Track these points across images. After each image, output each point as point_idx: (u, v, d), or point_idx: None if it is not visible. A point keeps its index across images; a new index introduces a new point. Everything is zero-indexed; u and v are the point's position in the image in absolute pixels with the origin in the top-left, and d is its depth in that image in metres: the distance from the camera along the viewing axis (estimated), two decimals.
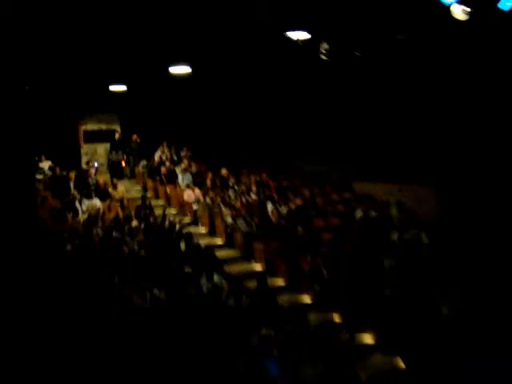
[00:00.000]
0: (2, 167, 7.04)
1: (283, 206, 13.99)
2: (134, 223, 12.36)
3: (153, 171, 16.64)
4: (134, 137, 17.64)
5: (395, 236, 11.52)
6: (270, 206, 14.06)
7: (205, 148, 18.29)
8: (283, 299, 10.36)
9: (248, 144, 17.93)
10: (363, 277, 9.90)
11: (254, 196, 14.71)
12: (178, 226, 12.01)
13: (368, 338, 8.97)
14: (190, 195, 14.93)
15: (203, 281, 9.44)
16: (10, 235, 7.10)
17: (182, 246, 11.18)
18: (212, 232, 13.79)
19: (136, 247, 10.73)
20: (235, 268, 11.66)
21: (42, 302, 7.00)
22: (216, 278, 9.61)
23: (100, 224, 11.97)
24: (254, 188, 14.94)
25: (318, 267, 10.81)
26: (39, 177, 14.80)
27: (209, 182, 15.50)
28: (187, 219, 14.33)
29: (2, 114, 6.88)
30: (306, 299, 10.76)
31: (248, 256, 12.48)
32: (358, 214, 13.71)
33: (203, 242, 12.17)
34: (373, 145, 15.25)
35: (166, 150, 17.82)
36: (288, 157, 17.86)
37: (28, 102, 7.79)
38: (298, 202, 14.56)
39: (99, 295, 7.89)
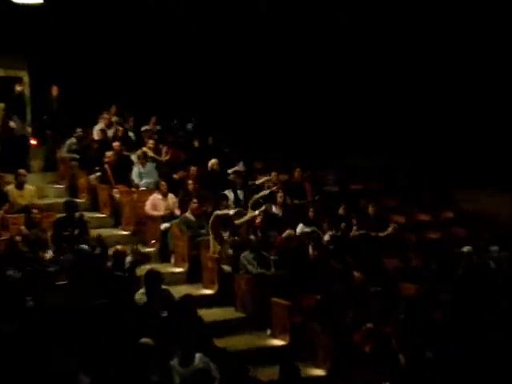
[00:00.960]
0: None
1: (328, 231, 14.20)
2: (49, 254, 12.51)
3: (89, 158, 16.87)
4: (54, 90, 17.90)
5: None
6: (300, 228, 14.21)
7: (187, 120, 19.21)
8: None
9: (265, 117, 19.01)
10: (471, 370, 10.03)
11: (276, 210, 15.02)
12: (129, 259, 12.23)
13: None
14: (156, 204, 15.12)
15: (175, 364, 9.45)
16: None
17: (140, 296, 11.22)
18: (194, 274, 14.03)
19: (52, 297, 10.83)
20: (235, 342, 11.74)
21: None
22: (198, 359, 9.59)
23: None
24: (279, 196, 15.22)
25: (389, 347, 10.81)
26: None
27: (191, 183, 15.63)
28: (150, 248, 14.55)
29: None
30: None
31: (259, 320, 12.62)
32: (468, 249, 13.95)
33: (178, 291, 12.22)
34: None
35: (115, 120, 18.21)
36: (335, 146, 18.71)
37: None
38: (355, 223, 14.77)
39: None
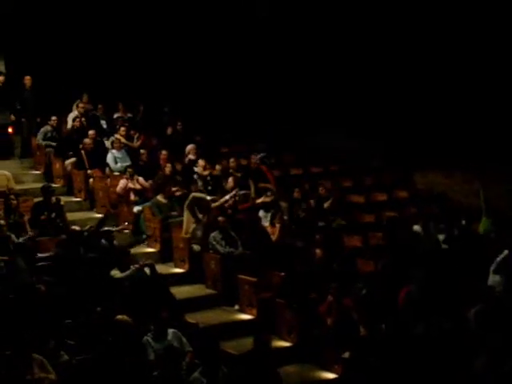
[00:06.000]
0: None
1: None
2: (30, 234, 12.50)
3: (64, 145, 16.81)
4: (27, 80, 17.66)
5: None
6: (262, 213, 14.42)
7: (158, 106, 19.03)
8: (289, 372, 10.60)
9: (232, 104, 19.03)
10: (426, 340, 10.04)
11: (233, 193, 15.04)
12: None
13: None
14: (127, 187, 15.11)
15: (149, 340, 9.48)
16: None
17: (115, 272, 11.39)
18: (166, 253, 14.16)
19: (29, 278, 10.90)
20: (206, 317, 11.93)
21: None
22: (171, 334, 9.69)
23: None
24: (230, 181, 15.37)
25: (349, 319, 10.93)
26: None
27: (169, 166, 15.70)
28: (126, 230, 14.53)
29: None
30: (328, 375, 10.93)
31: (228, 297, 12.82)
32: (419, 228, 14.07)
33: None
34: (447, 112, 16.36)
35: (87, 109, 18.03)
36: (294, 126, 18.66)
37: None
38: (312, 205, 14.96)
39: None
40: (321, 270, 12.24)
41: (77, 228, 12.60)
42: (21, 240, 12.12)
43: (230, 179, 15.44)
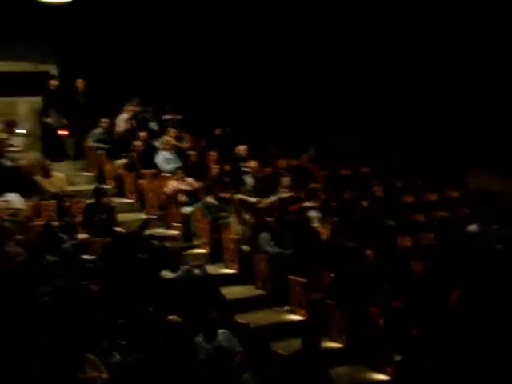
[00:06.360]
0: None
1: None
2: (81, 236, 12.61)
3: (116, 147, 16.99)
4: (79, 83, 17.89)
5: None
6: (312, 213, 14.35)
7: (206, 109, 18.96)
8: (340, 374, 10.61)
9: (280, 107, 19.01)
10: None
11: (285, 194, 15.08)
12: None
13: None
14: (176, 188, 15.16)
15: (200, 340, 9.51)
16: None
17: (166, 273, 11.42)
18: (216, 254, 14.18)
19: (79, 279, 10.93)
20: (256, 318, 11.96)
21: None
22: (222, 334, 9.71)
23: (19, 236, 12.05)
24: (285, 181, 15.24)
25: (401, 321, 10.83)
26: None
27: (216, 168, 15.71)
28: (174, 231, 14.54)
29: None
30: (379, 376, 10.91)
31: (278, 297, 12.84)
32: (475, 228, 13.97)
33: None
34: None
35: (137, 111, 18.16)
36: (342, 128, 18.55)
37: None
38: (366, 204, 14.79)
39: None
40: (372, 271, 12.16)
41: (121, 230, 12.64)
42: (71, 242, 12.22)
43: (285, 179, 15.43)
